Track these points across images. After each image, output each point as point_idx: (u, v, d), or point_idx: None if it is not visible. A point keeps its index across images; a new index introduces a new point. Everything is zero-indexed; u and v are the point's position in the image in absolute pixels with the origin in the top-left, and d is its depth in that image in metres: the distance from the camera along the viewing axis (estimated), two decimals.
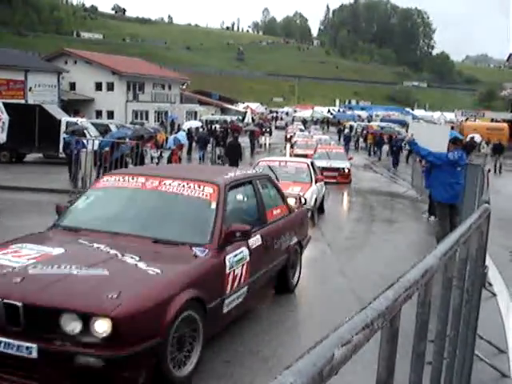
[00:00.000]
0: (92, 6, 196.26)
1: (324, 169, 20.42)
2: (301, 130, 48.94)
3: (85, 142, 17.43)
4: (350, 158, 23.95)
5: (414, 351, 1.82)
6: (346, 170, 21.92)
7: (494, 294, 7.41)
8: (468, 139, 33.06)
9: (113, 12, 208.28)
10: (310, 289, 8.12)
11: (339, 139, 46.47)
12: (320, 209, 14.41)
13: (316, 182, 13.85)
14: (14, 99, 36.04)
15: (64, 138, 17.73)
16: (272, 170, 13.24)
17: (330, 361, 0.97)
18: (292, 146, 32.00)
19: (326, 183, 19.39)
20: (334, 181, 20.84)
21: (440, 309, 2.27)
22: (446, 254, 1.98)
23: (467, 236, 2.42)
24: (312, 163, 15.10)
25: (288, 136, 43.87)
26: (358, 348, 1.11)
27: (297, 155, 25.23)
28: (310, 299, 7.66)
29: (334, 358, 0.99)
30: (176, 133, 32.79)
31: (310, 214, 11.52)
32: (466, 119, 62.12)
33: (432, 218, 13.56)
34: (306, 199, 11.17)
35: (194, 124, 43.38)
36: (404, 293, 1.43)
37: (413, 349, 1.84)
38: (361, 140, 47.41)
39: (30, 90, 42.63)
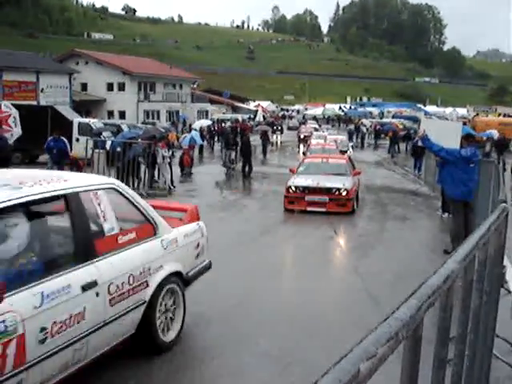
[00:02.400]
0: (102, 6, 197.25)
1: (308, 190, 14.53)
2: (315, 130, 44.66)
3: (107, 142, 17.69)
4: (357, 173, 16.14)
5: (435, 357, 1.79)
6: (344, 193, 14.29)
7: (510, 292, 7.33)
8: (488, 136, 32.71)
9: (123, 12, 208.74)
10: (322, 288, 8.09)
11: (350, 138, 43.22)
12: None
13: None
14: (26, 101, 36.22)
15: (48, 141, 16.97)
16: None
17: (355, 376, 0.94)
18: (304, 153, 25.81)
19: (309, 212, 14.14)
20: (323, 210, 14.21)
21: (460, 312, 2.24)
22: (467, 257, 1.95)
23: (486, 238, 2.39)
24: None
25: (302, 136, 39.53)
26: (383, 361, 1.09)
27: None
28: (322, 298, 7.62)
29: (359, 372, 0.96)
30: (188, 132, 32.78)
31: None
32: (476, 114, 61.74)
33: (446, 214, 13.47)
34: None
35: (205, 123, 43.47)
36: (427, 300, 1.40)
37: (434, 355, 1.81)
38: (370, 136, 47.13)
39: (41, 92, 42.85)
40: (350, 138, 42.40)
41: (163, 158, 18.10)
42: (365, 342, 1.07)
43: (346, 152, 25.81)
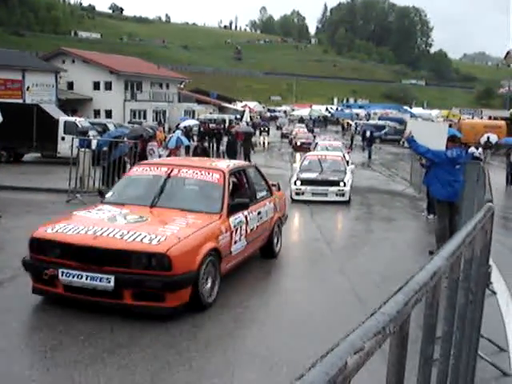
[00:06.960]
0: (89, 5, 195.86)
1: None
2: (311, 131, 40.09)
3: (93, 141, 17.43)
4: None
5: (421, 355, 1.79)
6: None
7: (494, 293, 7.37)
8: (484, 139, 32.82)
9: (110, 11, 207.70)
10: (309, 288, 8.09)
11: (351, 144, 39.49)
12: None
13: None
14: (11, 99, 35.96)
15: None
16: None
17: (342, 370, 0.93)
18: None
19: None
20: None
21: (446, 310, 2.24)
22: (453, 254, 1.94)
23: (472, 236, 2.39)
24: None
25: (298, 143, 36.87)
26: (370, 355, 1.08)
27: None
28: (309, 298, 7.62)
29: (346, 366, 0.95)
30: (173, 132, 32.62)
31: None
32: (447, 115, 62.22)
33: (431, 216, 13.54)
34: None
35: (192, 122, 43.32)
36: (414, 296, 1.39)
37: (420, 353, 1.80)
38: (358, 138, 47.02)
39: (27, 90, 42.57)
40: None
41: (159, 157, 17.97)
42: (352, 335, 1.06)
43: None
